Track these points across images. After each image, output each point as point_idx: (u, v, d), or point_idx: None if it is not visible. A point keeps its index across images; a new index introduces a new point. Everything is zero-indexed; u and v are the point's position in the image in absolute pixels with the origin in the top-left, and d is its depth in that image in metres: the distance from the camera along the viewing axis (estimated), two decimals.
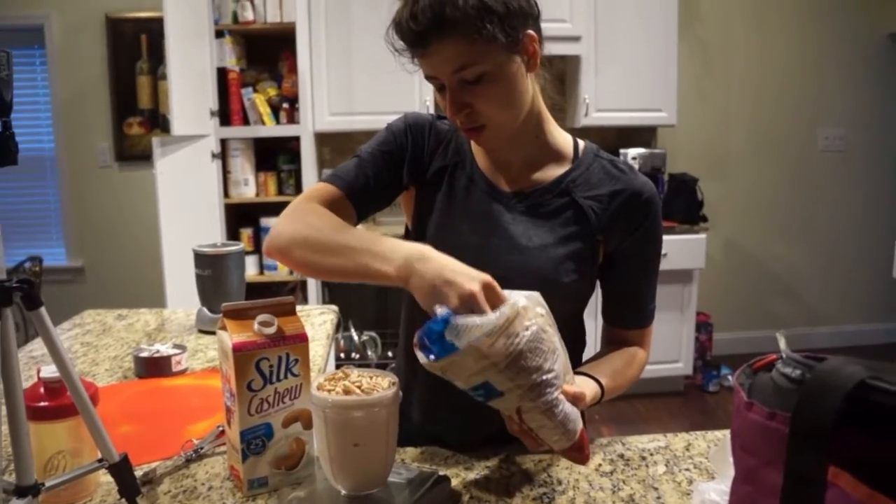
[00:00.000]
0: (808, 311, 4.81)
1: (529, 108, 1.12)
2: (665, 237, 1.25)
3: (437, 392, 0.87)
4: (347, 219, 1.12)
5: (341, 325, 3.44)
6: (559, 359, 0.92)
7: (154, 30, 4.08)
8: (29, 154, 4.30)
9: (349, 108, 3.86)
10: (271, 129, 3.83)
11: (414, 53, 1.05)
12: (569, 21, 3.87)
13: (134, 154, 4.32)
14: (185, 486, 1.04)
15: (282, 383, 1.00)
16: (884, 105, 4.66)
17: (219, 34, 3.72)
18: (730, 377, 4.21)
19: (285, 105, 3.85)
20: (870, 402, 0.53)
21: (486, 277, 0.88)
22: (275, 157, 3.96)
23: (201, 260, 1.82)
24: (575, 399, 0.95)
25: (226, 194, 3.82)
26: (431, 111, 3.70)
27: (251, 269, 3.87)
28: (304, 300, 3.88)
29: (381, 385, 0.92)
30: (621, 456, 1.13)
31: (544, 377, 0.88)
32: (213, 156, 3.64)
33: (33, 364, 1.59)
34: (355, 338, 3.92)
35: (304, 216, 1.07)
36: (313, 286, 3.86)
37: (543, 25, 1.10)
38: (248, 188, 3.88)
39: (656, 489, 1.02)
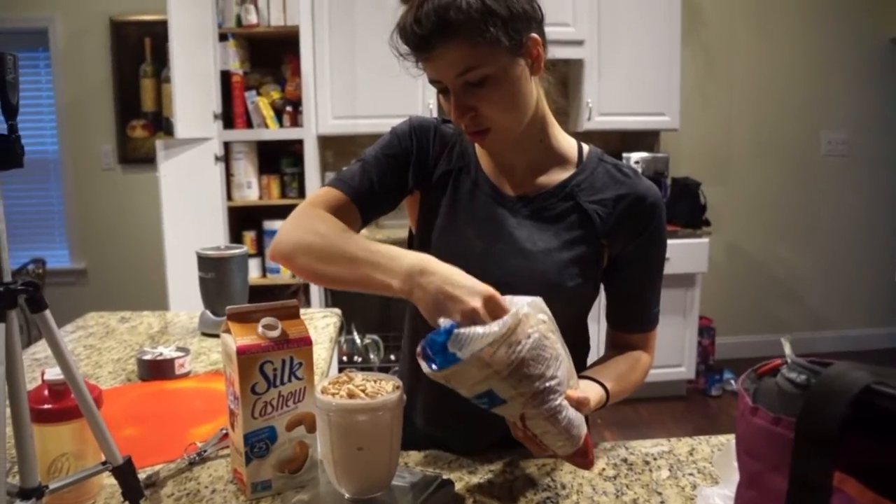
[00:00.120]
0: (810, 316, 4.81)
1: (534, 112, 1.12)
2: (668, 241, 1.24)
3: (441, 396, 0.87)
4: (352, 223, 1.12)
5: (344, 329, 3.44)
6: (562, 365, 0.92)
7: (158, 33, 4.08)
8: (33, 156, 4.28)
9: (352, 111, 3.86)
10: (274, 132, 3.83)
11: (418, 57, 1.05)
12: (572, 25, 3.87)
13: (137, 157, 4.33)
14: (189, 489, 1.04)
15: (286, 387, 1.00)
16: (887, 109, 4.66)
17: (222, 37, 3.73)
18: (732, 381, 4.21)
19: (288, 108, 3.85)
20: (875, 408, 0.53)
21: (488, 291, 0.88)
22: (278, 160, 3.97)
23: (204, 263, 1.83)
24: (579, 404, 0.95)
25: (229, 197, 3.83)
26: (435, 115, 3.71)
27: (254, 272, 3.87)
28: (307, 303, 3.88)
29: (386, 389, 0.92)
30: (625, 460, 1.13)
31: (547, 384, 0.88)
32: (217, 159, 3.65)
33: (37, 366, 1.59)
34: (358, 341, 3.92)
35: (309, 222, 1.07)
36: (316, 289, 3.87)
37: (546, 29, 1.10)
38: (251, 191, 3.89)
39: (660, 494, 1.02)
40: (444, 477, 1.01)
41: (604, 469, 1.10)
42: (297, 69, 3.79)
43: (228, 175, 3.83)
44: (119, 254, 4.41)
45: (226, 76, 3.76)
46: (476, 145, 1.20)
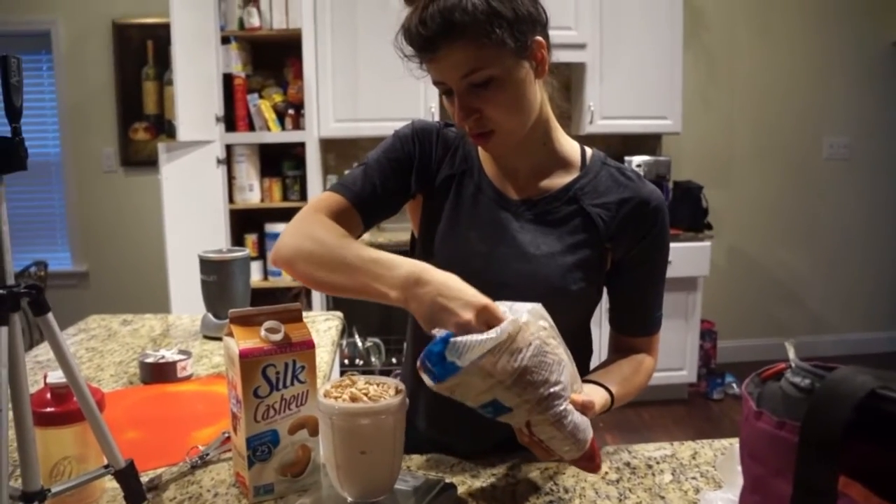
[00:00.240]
0: (812, 320, 4.80)
1: (537, 116, 1.12)
2: (670, 244, 1.24)
3: (444, 400, 0.87)
4: (354, 229, 1.12)
5: (346, 332, 3.44)
6: (566, 370, 0.91)
7: (160, 36, 4.09)
8: (35, 159, 4.31)
9: (354, 114, 3.87)
10: (276, 135, 3.84)
11: (423, 59, 1.05)
12: (574, 28, 3.87)
13: (139, 159, 4.34)
14: (191, 492, 1.04)
15: (288, 390, 0.99)
16: (888, 113, 4.65)
17: (225, 40, 3.74)
18: (734, 385, 4.21)
19: (290, 111, 3.85)
20: (880, 412, 0.53)
21: (482, 301, 0.87)
22: (280, 163, 3.97)
23: (207, 266, 1.83)
24: (584, 408, 0.94)
25: (230, 200, 3.83)
26: (437, 118, 3.72)
27: (255, 275, 3.88)
28: (309, 306, 3.88)
29: (388, 392, 0.92)
30: (627, 464, 1.13)
31: (552, 390, 0.88)
32: (219, 161, 3.65)
33: (39, 369, 1.60)
34: (359, 344, 3.92)
35: (310, 228, 1.07)
36: (317, 292, 3.87)
37: (549, 32, 1.10)
38: (252, 194, 3.89)
39: (663, 498, 1.02)
40: (447, 481, 1.01)
41: (606, 473, 1.10)
42: (299, 72, 3.80)
43: (230, 178, 3.84)
44: (121, 256, 4.41)
45: (228, 79, 3.76)
46: (479, 149, 1.20)
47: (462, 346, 0.82)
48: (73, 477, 0.93)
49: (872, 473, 0.53)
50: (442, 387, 0.84)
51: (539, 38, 1.06)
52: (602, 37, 3.92)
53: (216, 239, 3.60)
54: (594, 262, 1.15)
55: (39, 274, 3.85)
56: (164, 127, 4.30)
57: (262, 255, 3.95)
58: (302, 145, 3.82)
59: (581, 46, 3.89)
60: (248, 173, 3.86)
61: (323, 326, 1.92)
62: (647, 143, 4.38)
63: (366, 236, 1.14)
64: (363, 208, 1.14)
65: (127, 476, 0.92)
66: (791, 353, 0.63)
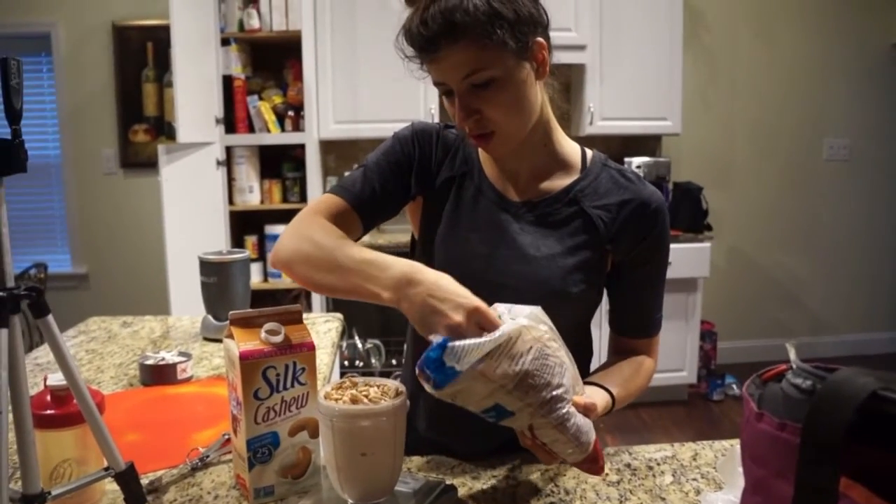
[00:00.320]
0: (812, 320, 4.80)
1: (538, 117, 1.12)
2: (670, 246, 1.24)
3: (444, 402, 0.87)
4: (353, 231, 1.12)
5: (346, 333, 3.43)
6: (567, 372, 0.91)
7: (160, 38, 4.09)
8: (35, 161, 4.31)
9: (354, 116, 3.87)
10: (276, 136, 3.84)
11: (424, 59, 1.05)
12: (574, 30, 3.88)
13: (139, 161, 4.34)
14: (191, 494, 1.04)
15: (288, 392, 0.99)
16: (888, 114, 4.66)
17: (225, 42, 3.74)
18: (734, 386, 4.20)
19: (290, 113, 3.86)
20: (882, 414, 0.52)
21: (474, 303, 0.87)
22: (279, 164, 3.97)
23: (207, 267, 1.82)
24: (586, 410, 0.94)
25: (230, 201, 3.83)
26: (437, 119, 3.71)
27: (255, 277, 3.88)
28: (309, 308, 3.88)
29: (389, 394, 0.92)
30: (628, 465, 1.13)
31: (554, 393, 0.88)
32: (218, 163, 3.65)
33: (39, 371, 1.59)
34: (359, 346, 3.91)
35: (308, 230, 1.07)
36: (317, 294, 3.86)
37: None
38: (252, 195, 3.89)
39: (663, 499, 1.02)
40: (447, 482, 1.01)
41: (607, 474, 1.09)
42: (298, 74, 3.80)
43: (230, 179, 3.84)
44: (121, 258, 4.41)
45: (228, 81, 3.76)
46: (479, 151, 1.20)
47: (460, 350, 0.81)
48: (74, 479, 0.93)
49: (874, 475, 0.53)
50: (443, 393, 0.84)
51: (540, 39, 1.06)
52: (602, 38, 3.92)
53: (216, 240, 3.60)
54: (595, 264, 1.15)
55: (39, 276, 3.84)
56: (163, 129, 4.30)
57: (262, 256, 3.95)
58: (302, 147, 3.82)
59: (581, 48, 3.90)
60: (247, 175, 3.86)
61: (323, 328, 1.92)
62: (646, 144, 4.38)
63: (366, 238, 1.14)
64: (363, 210, 1.14)
65: (127, 478, 0.92)
66: (792, 355, 0.63)
